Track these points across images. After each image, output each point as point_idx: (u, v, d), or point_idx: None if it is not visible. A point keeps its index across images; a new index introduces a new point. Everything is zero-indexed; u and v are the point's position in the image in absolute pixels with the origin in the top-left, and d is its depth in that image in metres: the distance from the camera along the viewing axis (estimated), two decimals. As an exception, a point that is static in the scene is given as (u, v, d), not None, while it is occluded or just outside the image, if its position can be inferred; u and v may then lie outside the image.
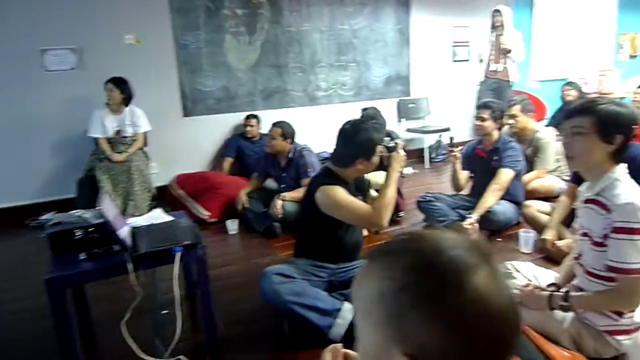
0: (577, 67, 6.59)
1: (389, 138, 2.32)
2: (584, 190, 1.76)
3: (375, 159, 2.10)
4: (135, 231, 1.92)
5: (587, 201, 1.72)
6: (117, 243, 1.77)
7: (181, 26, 4.25)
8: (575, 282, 1.83)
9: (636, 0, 7.08)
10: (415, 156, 5.63)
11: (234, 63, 4.54)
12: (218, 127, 4.57)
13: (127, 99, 3.82)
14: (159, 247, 1.74)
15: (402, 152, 2.18)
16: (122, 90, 3.76)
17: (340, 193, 1.99)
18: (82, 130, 3.83)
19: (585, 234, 1.74)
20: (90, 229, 1.84)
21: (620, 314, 1.65)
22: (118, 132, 3.81)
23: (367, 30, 5.13)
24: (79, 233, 1.82)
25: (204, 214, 3.62)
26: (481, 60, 5.24)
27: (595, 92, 6.26)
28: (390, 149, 2.19)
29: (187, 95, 4.39)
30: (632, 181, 1.65)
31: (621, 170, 1.65)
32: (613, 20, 7.00)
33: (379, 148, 2.10)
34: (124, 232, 1.81)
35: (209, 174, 4.13)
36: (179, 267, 1.70)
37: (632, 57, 7.40)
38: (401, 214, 3.49)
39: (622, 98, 6.02)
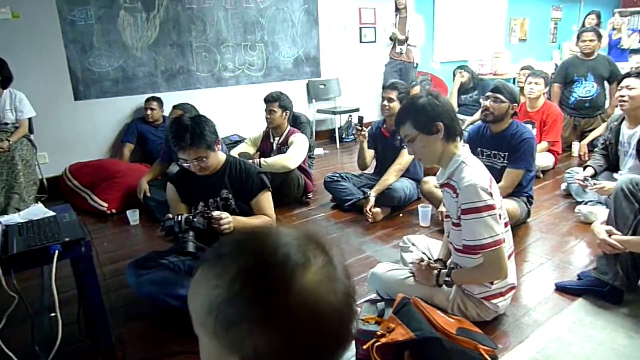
0: (475, 50, 7.01)
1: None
2: (438, 177, 1.87)
3: None
4: (8, 230, 1.73)
5: (442, 186, 1.83)
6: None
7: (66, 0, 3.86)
8: (452, 258, 1.96)
9: (524, -13, 7.67)
10: (327, 137, 5.70)
11: (131, 42, 4.22)
12: (116, 111, 4.24)
13: (5, 82, 3.40)
14: (33, 247, 1.58)
15: (222, 217, 1.91)
16: (-3, 72, 3.35)
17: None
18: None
19: (447, 216, 1.86)
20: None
21: (491, 282, 1.80)
22: (-4, 119, 3.40)
23: (274, 9, 5.02)
24: None
25: (102, 205, 3.38)
26: (392, 39, 5.28)
27: (490, 74, 6.72)
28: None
29: (78, 77, 4.01)
30: (477, 161, 1.76)
31: (465, 152, 1.76)
32: (505, 5, 7.53)
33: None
34: (-7, 233, 1.62)
35: (106, 162, 3.83)
36: (56, 267, 1.55)
37: (522, 40, 8.04)
38: (310, 195, 3.51)
39: (513, 79, 6.53)
